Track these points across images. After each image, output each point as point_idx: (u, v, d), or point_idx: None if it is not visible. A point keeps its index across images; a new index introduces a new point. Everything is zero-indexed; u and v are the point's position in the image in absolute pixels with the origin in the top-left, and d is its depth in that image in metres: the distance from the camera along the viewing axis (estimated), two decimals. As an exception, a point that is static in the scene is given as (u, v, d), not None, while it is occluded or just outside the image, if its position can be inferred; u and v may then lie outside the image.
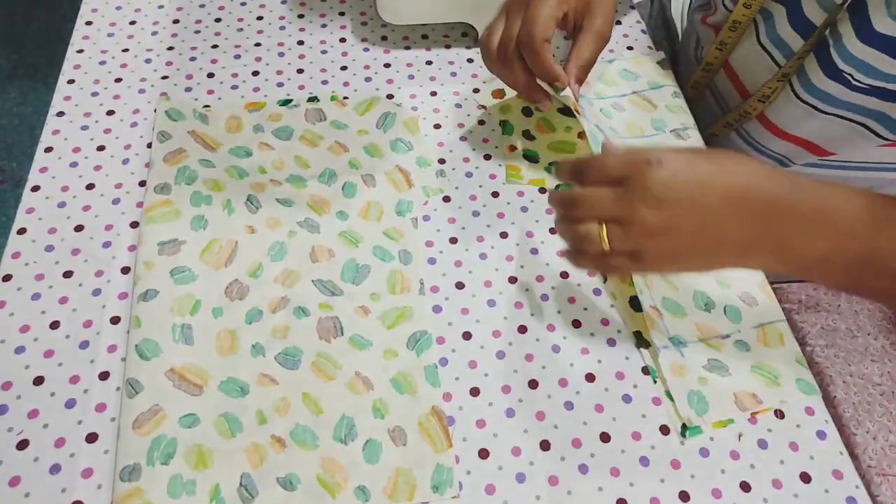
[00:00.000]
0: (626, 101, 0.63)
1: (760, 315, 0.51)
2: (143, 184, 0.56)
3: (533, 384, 0.47)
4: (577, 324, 0.50)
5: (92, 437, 0.44)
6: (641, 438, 0.46)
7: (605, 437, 0.45)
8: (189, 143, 0.58)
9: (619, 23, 0.72)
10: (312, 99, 0.63)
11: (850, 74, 0.52)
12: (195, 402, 0.45)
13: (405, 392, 0.46)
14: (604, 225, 0.40)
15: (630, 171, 0.40)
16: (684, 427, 0.46)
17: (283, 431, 0.44)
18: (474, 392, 0.47)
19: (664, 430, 0.46)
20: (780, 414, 0.47)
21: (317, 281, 0.51)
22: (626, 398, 0.47)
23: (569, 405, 0.47)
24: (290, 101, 0.62)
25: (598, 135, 0.53)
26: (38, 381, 0.46)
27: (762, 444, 0.45)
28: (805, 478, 0.44)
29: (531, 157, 0.60)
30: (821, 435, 0.46)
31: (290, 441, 0.44)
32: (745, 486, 0.44)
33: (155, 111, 0.60)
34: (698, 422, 0.46)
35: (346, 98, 0.63)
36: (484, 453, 0.45)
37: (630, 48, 0.70)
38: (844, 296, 0.81)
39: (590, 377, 0.48)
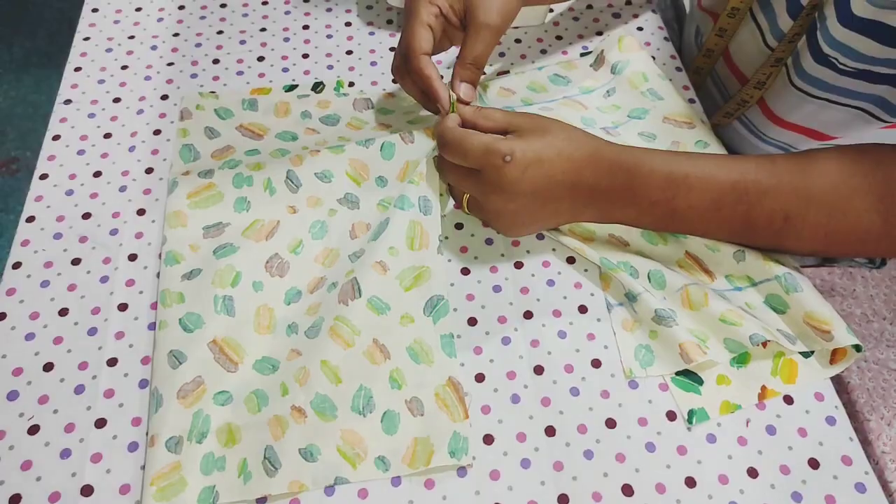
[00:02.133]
0: (556, 104, 0.61)
1: (691, 278, 0.51)
2: (149, 171, 0.57)
3: (538, 370, 0.47)
4: (583, 309, 0.50)
5: (101, 423, 0.44)
6: (648, 424, 0.45)
7: (610, 423, 0.45)
8: (237, 138, 0.58)
9: (629, 2, 0.71)
10: (318, 84, 0.62)
11: (835, 59, 0.51)
12: (230, 379, 0.46)
13: (422, 362, 0.46)
14: (465, 196, 0.50)
15: (485, 164, 0.46)
16: (691, 413, 0.45)
17: (304, 402, 0.44)
18: (479, 378, 0.47)
19: (671, 415, 0.46)
20: (789, 400, 0.46)
21: (352, 255, 0.50)
22: (633, 384, 0.47)
23: (574, 391, 0.46)
24: (296, 86, 0.62)
25: None
26: (48, 367, 0.47)
27: (770, 430, 0.45)
28: (813, 464, 0.44)
29: None
30: (830, 421, 0.45)
31: (311, 411, 0.44)
32: (753, 473, 0.44)
33: (198, 107, 0.60)
34: (641, 374, 0.47)
35: (352, 83, 0.63)
36: (489, 439, 0.44)
37: (640, 28, 0.69)
38: (860, 280, 0.80)
39: (596, 363, 0.48)
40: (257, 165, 0.54)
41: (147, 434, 0.44)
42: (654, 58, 0.65)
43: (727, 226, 0.49)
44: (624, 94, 0.61)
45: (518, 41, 0.67)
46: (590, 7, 0.70)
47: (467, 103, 0.51)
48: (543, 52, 0.66)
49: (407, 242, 0.49)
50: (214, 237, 0.51)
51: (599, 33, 0.68)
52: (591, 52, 0.66)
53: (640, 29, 0.69)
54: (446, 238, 0.53)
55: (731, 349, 0.47)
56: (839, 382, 0.72)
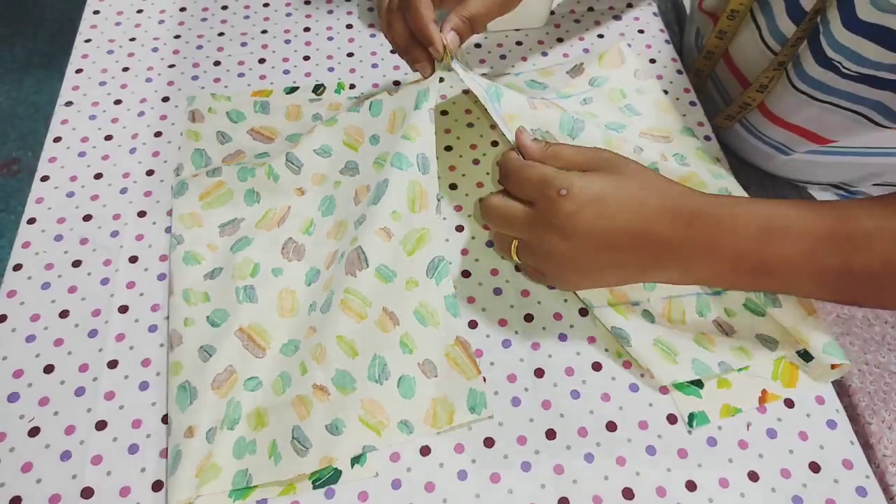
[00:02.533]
0: (535, 102, 0.59)
1: (676, 288, 0.50)
2: (150, 173, 0.57)
3: (539, 373, 0.47)
4: (583, 312, 0.50)
5: (101, 425, 0.44)
6: (648, 427, 0.45)
7: (611, 426, 0.45)
8: (248, 142, 0.58)
9: (630, 5, 0.71)
10: (318, 86, 0.62)
11: (839, 62, 0.51)
12: (259, 364, 0.46)
13: (429, 324, 0.47)
14: (514, 241, 0.45)
15: (540, 196, 0.43)
16: (691, 416, 0.45)
17: (324, 379, 0.44)
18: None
19: (671, 419, 0.46)
20: (789, 403, 0.46)
21: (356, 221, 0.50)
22: (633, 387, 0.47)
23: (575, 394, 0.46)
24: (297, 88, 0.62)
25: (500, 110, 0.50)
26: (49, 369, 0.47)
27: (771, 434, 0.45)
28: (814, 467, 0.44)
29: None
30: (831, 424, 0.45)
31: (333, 388, 0.44)
32: (754, 476, 0.44)
33: (210, 110, 0.60)
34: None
35: (353, 86, 0.63)
36: (489, 442, 0.44)
37: (641, 31, 0.69)
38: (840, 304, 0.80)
39: (596, 366, 0.48)
40: (263, 163, 0.54)
41: (167, 426, 0.44)
42: (654, 60, 0.66)
43: (820, 278, 0.43)
44: (601, 105, 0.61)
45: (519, 43, 0.67)
46: (591, 10, 0.70)
47: (439, 58, 0.49)
48: (544, 54, 0.66)
49: (408, 205, 0.49)
50: (231, 234, 0.52)
51: (601, 36, 0.68)
52: (569, 61, 0.65)
53: (640, 32, 0.69)
54: (447, 241, 0.53)
55: (697, 371, 0.46)
56: (840, 386, 0.72)
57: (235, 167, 0.54)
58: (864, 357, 0.78)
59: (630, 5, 0.71)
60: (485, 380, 0.46)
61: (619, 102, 0.61)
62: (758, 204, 0.43)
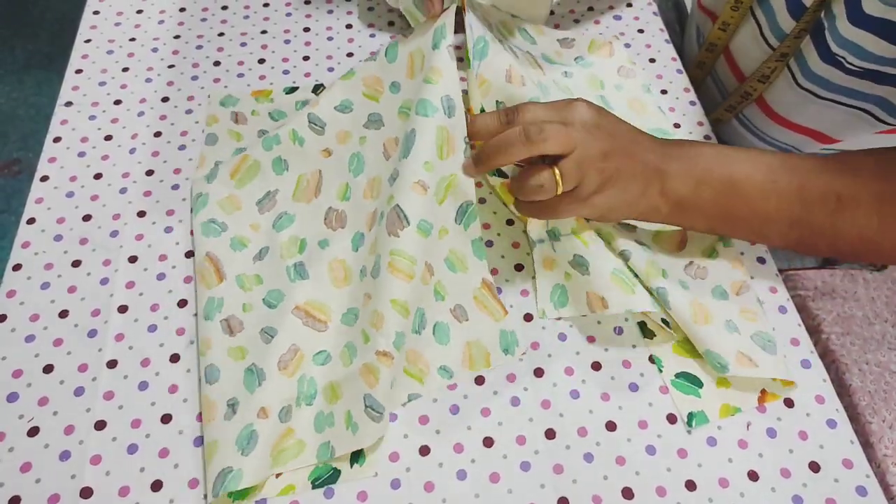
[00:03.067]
0: (513, 74, 0.55)
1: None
2: (150, 173, 0.57)
3: (538, 373, 0.47)
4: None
5: (100, 425, 0.44)
6: (648, 427, 0.45)
7: (611, 426, 0.45)
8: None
9: (630, 5, 0.71)
10: (318, 86, 0.62)
11: (843, 58, 0.51)
12: (324, 338, 0.47)
13: (458, 270, 0.48)
14: (555, 169, 0.43)
15: (557, 106, 0.45)
16: (691, 416, 0.45)
17: (386, 345, 0.44)
18: (479, 380, 0.47)
19: (671, 418, 0.45)
20: (789, 403, 0.46)
21: (389, 177, 0.48)
22: (633, 387, 0.47)
23: (574, 394, 0.46)
24: (296, 88, 0.62)
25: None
26: (48, 368, 0.47)
27: (771, 433, 0.45)
28: (814, 467, 0.44)
29: None
30: (831, 424, 0.45)
31: (395, 351, 0.44)
32: (753, 476, 0.43)
33: (253, 113, 0.60)
34: (553, 314, 0.49)
35: None
36: (489, 442, 0.44)
37: (641, 31, 0.69)
38: (861, 283, 0.80)
39: (596, 366, 0.48)
40: (284, 126, 0.54)
41: (222, 408, 0.44)
42: (653, 60, 0.66)
43: (784, 200, 0.47)
44: (580, 84, 0.61)
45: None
46: (591, 9, 0.70)
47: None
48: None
49: (438, 152, 0.46)
50: (270, 210, 0.52)
51: (601, 35, 0.68)
52: (562, 32, 0.65)
53: (640, 31, 0.68)
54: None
55: (654, 304, 0.46)
56: (840, 385, 0.72)
57: (259, 139, 0.54)
58: (865, 356, 0.78)
59: (630, 5, 0.71)
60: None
61: (595, 91, 0.61)
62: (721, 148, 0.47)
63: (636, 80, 0.63)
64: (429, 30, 0.48)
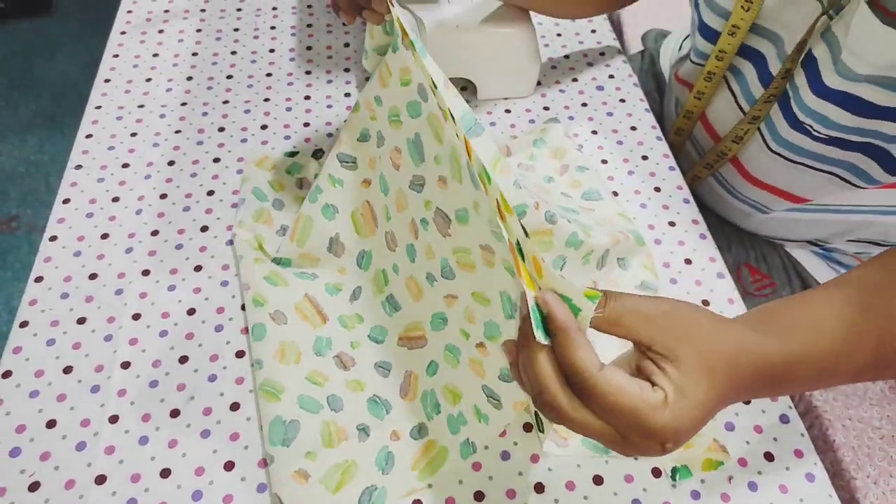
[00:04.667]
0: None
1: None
2: (155, 233, 0.59)
3: (528, 427, 0.49)
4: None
5: (101, 479, 0.45)
6: (634, 481, 0.47)
7: (598, 480, 0.47)
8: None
9: (612, 76, 0.75)
10: (318, 151, 0.66)
11: (810, 126, 0.54)
12: (428, 352, 0.51)
13: (502, 239, 0.43)
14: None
15: (632, 434, 0.34)
16: (674, 470, 0.47)
17: (480, 336, 0.47)
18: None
19: (656, 472, 0.47)
20: (769, 456, 0.48)
21: (410, 184, 0.51)
22: (619, 441, 0.48)
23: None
24: (297, 152, 0.66)
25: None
26: (51, 423, 0.48)
27: (752, 487, 0.46)
28: (795, 520, 0.45)
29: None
30: (810, 477, 0.47)
31: (487, 341, 0.46)
32: (736, 529, 0.45)
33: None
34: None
35: None
36: (479, 495, 0.46)
37: (623, 100, 0.73)
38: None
39: (583, 420, 0.49)
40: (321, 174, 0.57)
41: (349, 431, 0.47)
42: (634, 128, 0.70)
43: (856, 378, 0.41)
44: (543, 162, 0.65)
45: (508, 111, 0.71)
46: (575, 80, 0.75)
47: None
48: (532, 121, 0.70)
49: (437, 141, 0.47)
50: (342, 254, 0.56)
51: (584, 105, 0.72)
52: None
53: (622, 101, 0.73)
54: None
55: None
56: (825, 441, 0.74)
57: (306, 199, 0.57)
58: (848, 412, 0.80)
59: (612, 76, 0.75)
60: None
61: (559, 160, 0.65)
62: (812, 347, 0.39)
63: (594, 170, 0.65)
64: (387, 46, 0.52)
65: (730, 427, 0.49)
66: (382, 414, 0.48)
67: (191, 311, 0.54)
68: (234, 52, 0.76)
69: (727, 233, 0.72)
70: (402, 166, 0.52)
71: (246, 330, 0.53)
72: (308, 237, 0.56)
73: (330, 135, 0.68)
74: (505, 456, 0.47)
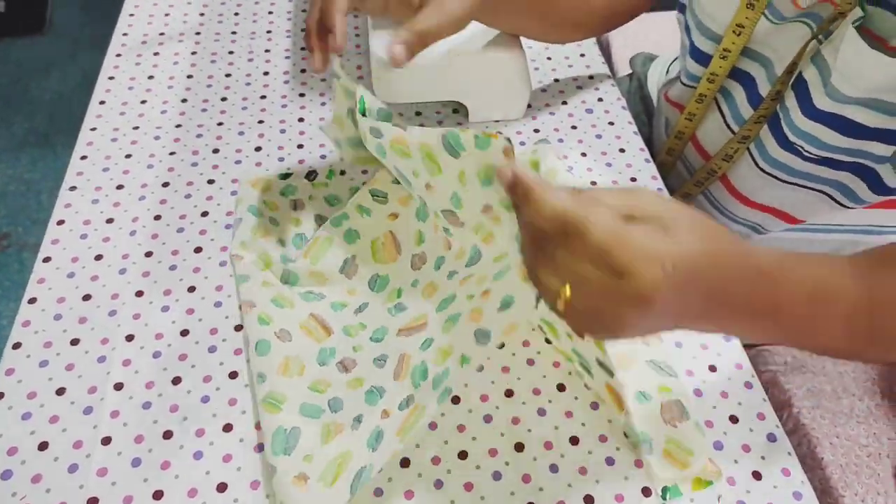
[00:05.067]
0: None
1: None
2: (149, 254, 0.59)
3: (519, 447, 0.49)
4: (561, 387, 0.53)
5: (93, 502, 0.45)
6: (624, 501, 0.47)
7: (588, 500, 0.47)
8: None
9: (600, 99, 0.77)
10: (311, 172, 0.67)
11: (800, 146, 0.55)
12: (425, 333, 0.51)
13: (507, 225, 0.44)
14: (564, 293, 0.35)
15: (637, 269, 0.33)
16: (665, 490, 0.47)
17: (488, 283, 0.48)
18: (462, 455, 0.49)
19: (646, 492, 0.47)
20: (757, 475, 0.48)
21: (448, 207, 0.50)
22: (609, 461, 0.49)
23: (554, 468, 0.48)
24: (291, 174, 0.66)
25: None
26: (43, 446, 0.48)
27: (741, 506, 0.47)
28: (783, 539, 0.46)
29: None
30: (797, 496, 0.48)
31: (494, 283, 0.47)
32: (726, 548, 0.45)
33: (310, 198, 0.65)
34: None
35: (343, 172, 0.67)
36: (469, 486, 0.46)
37: (612, 123, 0.74)
38: (830, 357, 0.83)
39: (574, 440, 0.50)
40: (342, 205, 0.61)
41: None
42: (623, 150, 0.71)
43: (851, 338, 0.42)
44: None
45: (498, 133, 0.72)
46: (564, 103, 0.76)
47: (400, 63, 0.50)
48: (522, 143, 0.72)
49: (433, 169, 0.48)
50: (354, 275, 0.58)
51: (574, 127, 0.73)
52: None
53: (611, 123, 0.74)
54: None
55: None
56: (813, 458, 0.74)
57: (328, 221, 0.60)
58: (835, 430, 0.80)
59: (601, 100, 0.77)
60: None
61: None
62: (805, 266, 0.40)
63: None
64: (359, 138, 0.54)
65: (718, 446, 0.50)
66: (376, 400, 0.48)
67: (184, 332, 0.54)
68: (228, 75, 0.77)
69: None
70: (435, 194, 0.50)
71: (240, 351, 0.53)
72: (322, 256, 0.58)
73: (324, 156, 0.69)
74: (497, 476, 0.48)
